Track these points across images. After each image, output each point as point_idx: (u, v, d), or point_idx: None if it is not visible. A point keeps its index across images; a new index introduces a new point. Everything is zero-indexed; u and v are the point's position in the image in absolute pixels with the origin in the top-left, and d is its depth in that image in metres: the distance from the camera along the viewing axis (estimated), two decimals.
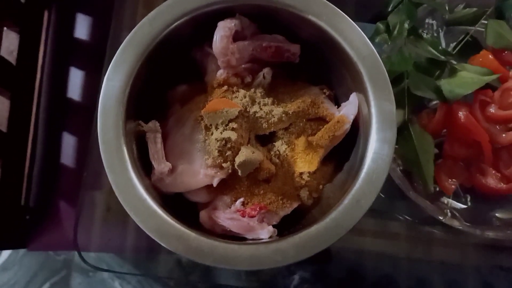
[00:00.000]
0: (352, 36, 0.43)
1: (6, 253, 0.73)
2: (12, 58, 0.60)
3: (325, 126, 0.45)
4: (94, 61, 0.66)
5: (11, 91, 0.58)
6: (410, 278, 0.56)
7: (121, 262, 0.63)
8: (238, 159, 0.42)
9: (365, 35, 0.43)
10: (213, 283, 0.61)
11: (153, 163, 0.43)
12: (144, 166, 0.44)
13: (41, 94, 0.65)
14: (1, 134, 0.56)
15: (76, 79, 0.67)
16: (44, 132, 0.65)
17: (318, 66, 0.49)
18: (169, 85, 0.49)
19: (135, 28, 0.42)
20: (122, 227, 0.58)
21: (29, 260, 0.71)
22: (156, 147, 0.44)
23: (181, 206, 0.45)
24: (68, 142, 0.65)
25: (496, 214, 0.54)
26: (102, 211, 0.59)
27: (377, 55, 0.42)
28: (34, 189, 0.63)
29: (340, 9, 0.44)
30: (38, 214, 0.63)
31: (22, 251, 0.70)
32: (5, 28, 0.59)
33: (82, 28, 0.69)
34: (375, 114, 0.42)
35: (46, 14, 0.67)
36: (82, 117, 0.66)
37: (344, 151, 0.47)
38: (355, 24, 0.43)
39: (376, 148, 0.41)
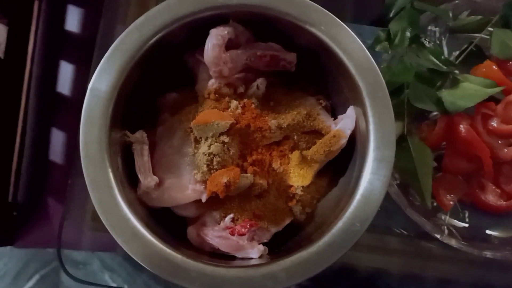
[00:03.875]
0: (351, 48, 0.41)
1: None
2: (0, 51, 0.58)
3: (320, 140, 0.44)
4: (86, 55, 0.63)
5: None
6: None
7: (112, 255, 0.62)
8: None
9: (365, 48, 0.41)
10: None
11: (139, 176, 0.41)
12: (130, 178, 0.42)
13: (30, 88, 0.63)
14: None
15: (66, 73, 0.65)
16: (33, 128, 0.63)
17: (315, 75, 0.47)
18: (160, 91, 0.47)
19: (122, 35, 0.40)
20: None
21: (19, 251, 0.69)
22: (142, 160, 0.42)
23: (169, 220, 0.43)
24: (58, 138, 0.64)
25: (494, 233, 0.52)
26: (88, 212, 0.57)
27: (378, 69, 0.40)
28: (22, 185, 0.62)
29: (339, 11, 0.42)
30: (26, 210, 0.61)
31: None
32: None
33: (73, 20, 0.66)
34: (373, 131, 0.40)
35: (36, 5, 0.65)
36: (72, 112, 0.63)
37: (339, 165, 0.45)
38: (355, 36, 0.41)
39: (373, 168, 0.39)
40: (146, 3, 0.61)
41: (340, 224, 0.38)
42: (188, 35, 0.43)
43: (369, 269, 0.54)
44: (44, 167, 0.62)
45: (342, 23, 0.41)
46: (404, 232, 0.53)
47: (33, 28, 0.64)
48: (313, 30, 0.41)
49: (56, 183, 0.62)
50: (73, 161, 0.59)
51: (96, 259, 0.61)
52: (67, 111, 0.64)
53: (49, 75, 0.64)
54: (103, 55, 0.40)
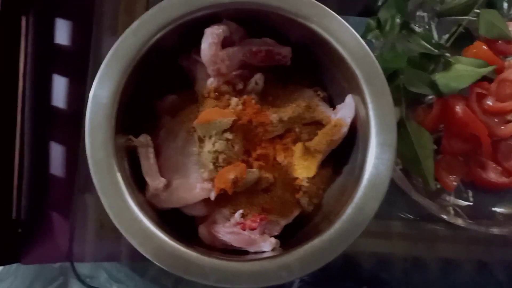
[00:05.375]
0: (345, 37, 0.41)
1: None
2: None
3: (322, 130, 0.44)
4: (77, 66, 0.64)
5: None
6: (412, 277, 0.55)
7: (118, 266, 0.62)
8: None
9: (358, 36, 0.41)
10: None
11: (146, 179, 0.42)
12: (137, 182, 0.42)
13: (25, 103, 0.63)
14: None
15: (60, 86, 0.65)
16: (31, 143, 0.63)
17: (310, 67, 0.48)
18: (158, 95, 0.47)
19: (118, 40, 0.40)
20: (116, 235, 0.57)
21: (25, 269, 0.69)
22: (149, 163, 0.42)
23: (178, 220, 0.43)
24: (56, 151, 0.63)
25: (499, 210, 0.53)
26: (95, 222, 0.57)
27: (373, 55, 0.41)
28: (24, 202, 0.62)
29: (324, 3, 0.42)
30: (30, 226, 0.61)
31: None
32: None
33: (62, 33, 0.66)
34: (373, 116, 0.40)
35: (24, 20, 0.65)
36: (69, 124, 0.64)
37: (342, 154, 0.46)
38: (347, 24, 0.42)
39: (377, 153, 0.39)
40: (134, 10, 0.62)
41: (349, 211, 0.39)
42: (182, 37, 0.43)
43: (373, 254, 0.55)
44: (45, 182, 0.62)
45: (333, 13, 0.42)
46: (410, 216, 0.54)
47: (22, 43, 0.64)
48: (306, 22, 0.42)
49: (58, 196, 0.62)
50: (74, 173, 0.60)
51: (102, 271, 0.61)
52: (63, 124, 0.64)
53: (43, 90, 0.64)
54: (99, 64, 0.40)
